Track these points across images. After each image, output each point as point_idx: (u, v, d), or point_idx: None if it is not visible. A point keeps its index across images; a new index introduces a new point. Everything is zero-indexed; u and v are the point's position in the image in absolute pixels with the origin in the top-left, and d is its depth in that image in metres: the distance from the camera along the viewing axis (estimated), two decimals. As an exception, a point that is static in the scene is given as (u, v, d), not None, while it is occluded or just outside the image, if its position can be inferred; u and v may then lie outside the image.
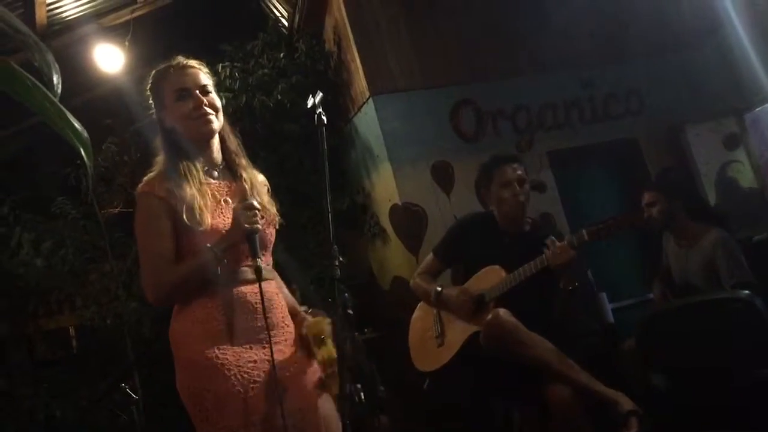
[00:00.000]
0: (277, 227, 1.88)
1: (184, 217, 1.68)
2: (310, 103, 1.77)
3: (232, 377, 1.64)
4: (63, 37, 4.77)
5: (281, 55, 4.68)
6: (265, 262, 1.76)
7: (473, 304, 2.78)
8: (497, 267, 2.78)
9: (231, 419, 1.62)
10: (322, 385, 1.76)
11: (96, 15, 4.88)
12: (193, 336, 1.68)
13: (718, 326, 2.48)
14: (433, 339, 2.96)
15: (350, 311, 1.53)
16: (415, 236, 4.09)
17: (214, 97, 1.82)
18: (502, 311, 2.57)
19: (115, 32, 4.97)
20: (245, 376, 1.66)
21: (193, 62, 1.84)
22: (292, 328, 1.83)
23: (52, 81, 1.03)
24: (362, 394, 1.46)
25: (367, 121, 4.33)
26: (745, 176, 4.93)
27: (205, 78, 1.83)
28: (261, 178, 1.94)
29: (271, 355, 1.65)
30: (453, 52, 4.46)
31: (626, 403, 2.36)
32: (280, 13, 5.39)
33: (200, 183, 1.75)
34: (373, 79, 4.24)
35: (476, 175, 3.31)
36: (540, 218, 4.08)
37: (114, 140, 4.57)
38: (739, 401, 2.34)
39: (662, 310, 3.10)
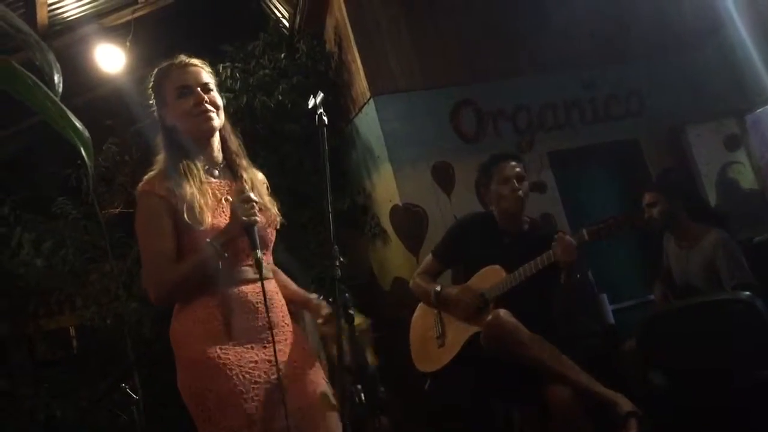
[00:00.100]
0: (278, 228, 1.89)
1: (185, 215, 1.68)
2: (310, 103, 1.78)
3: (234, 377, 1.64)
4: (64, 38, 4.77)
5: (282, 55, 4.68)
6: (266, 261, 1.76)
7: (475, 301, 2.78)
8: (497, 267, 2.78)
9: (233, 419, 1.62)
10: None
11: (97, 15, 4.88)
12: (195, 336, 1.68)
13: (718, 327, 2.48)
14: (434, 339, 2.95)
15: (351, 311, 1.53)
16: (416, 237, 4.09)
17: (215, 95, 1.83)
18: (502, 312, 2.57)
19: (116, 32, 4.97)
20: (247, 376, 1.66)
21: (195, 61, 1.86)
22: (291, 327, 1.83)
23: (53, 80, 1.03)
24: (362, 394, 1.46)
25: (368, 121, 4.33)
26: (746, 177, 4.93)
27: (207, 76, 1.84)
28: (261, 177, 1.95)
29: (275, 354, 1.65)
30: (453, 53, 4.46)
31: (626, 405, 2.36)
32: (281, 13, 5.39)
33: (201, 182, 1.75)
34: (373, 79, 4.24)
35: (476, 175, 3.31)
36: (540, 219, 4.08)
37: (114, 140, 4.57)
38: (739, 402, 2.34)
39: (663, 312, 3.10)
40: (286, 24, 5.28)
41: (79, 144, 1.03)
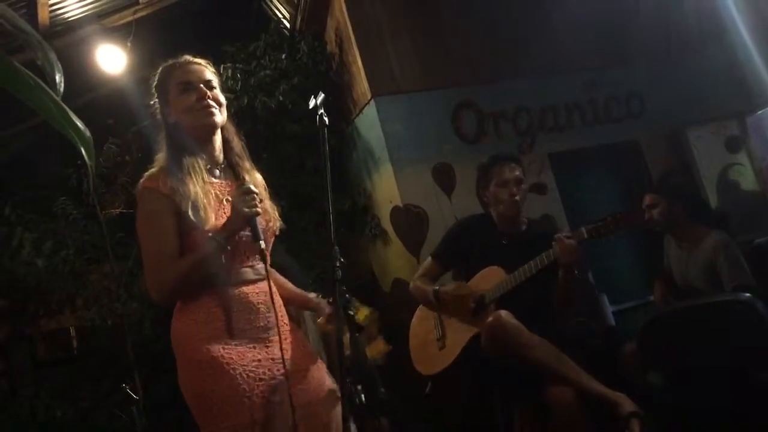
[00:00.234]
0: (278, 233, 1.88)
1: (189, 214, 1.67)
2: (311, 104, 1.78)
3: (238, 376, 1.64)
4: (65, 38, 4.77)
5: (283, 56, 4.68)
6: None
7: (472, 300, 2.77)
8: (497, 267, 2.78)
9: (236, 418, 1.62)
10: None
11: (98, 15, 4.89)
12: (196, 336, 1.68)
13: (718, 329, 2.47)
14: (435, 342, 2.95)
15: (351, 312, 1.53)
16: (417, 238, 4.09)
17: (218, 92, 1.83)
18: (503, 313, 2.56)
19: (118, 33, 4.97)
20: (250, 375, 1.66)
21: (199, 59, 1.86)
22: (290, 327, 1.84)
23: (55, 80, 1.03)
24: (363, 395, 1.46)
25: (369, 122, 4.33)
26: (747, 179, 4.93)
27: (211, 74, 1.85)
28: (261, 181, 1.94)
29: (281, 352, 1.66)
30: (454, 54, 4.46)
31: (627, 405, 2.35)
32: (282, 14, 5.40)
33: (203, 181, 1.74)
34: (374, 80, 4.25)
35: (476, 175, 3.31)
36: (541, 219, 4.08)
37: (115, 141, 4.57)
38: (740, 404, 2.33)
39: (663, 313, 3.10)
40: (287, 25, 5.28)
41: (80, 144, 1.03)
